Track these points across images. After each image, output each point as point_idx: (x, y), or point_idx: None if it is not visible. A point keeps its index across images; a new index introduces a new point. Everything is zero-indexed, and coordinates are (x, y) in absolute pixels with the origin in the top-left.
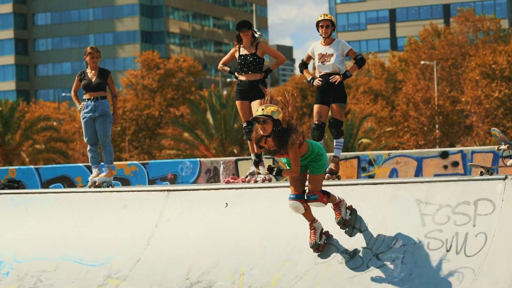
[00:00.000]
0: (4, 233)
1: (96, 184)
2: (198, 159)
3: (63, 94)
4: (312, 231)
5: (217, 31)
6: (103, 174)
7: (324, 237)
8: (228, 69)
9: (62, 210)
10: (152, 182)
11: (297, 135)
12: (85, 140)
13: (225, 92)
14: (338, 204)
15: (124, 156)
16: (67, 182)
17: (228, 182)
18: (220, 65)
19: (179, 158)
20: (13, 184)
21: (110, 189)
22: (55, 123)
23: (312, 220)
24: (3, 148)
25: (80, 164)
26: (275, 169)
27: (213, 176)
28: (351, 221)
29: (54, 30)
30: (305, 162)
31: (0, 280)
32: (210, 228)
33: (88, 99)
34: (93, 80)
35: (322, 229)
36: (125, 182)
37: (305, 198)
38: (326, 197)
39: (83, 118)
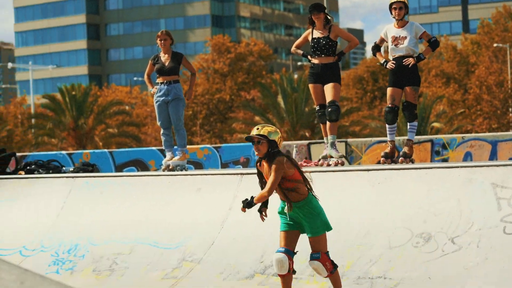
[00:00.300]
0: (79, 216)
1: (170, 167)
2: None
3: (135, 78)
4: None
5: (288, 15)
6: (176, 158)
7: None
8: (301, 52)
9: (136, 194)
10: (224, 165)
11: (290, 163)
12: (158, 123)
13: (296, 76)
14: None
15: (195, 140)
16: (141, 165)
17: (301, 165)
18: (293, 48)
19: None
20: (88, 167)
21: (183, 172)
22: (127, 107)
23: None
24: (76, 132)
25: (153, 148)
26: (246, 200)
27: None
28: None
29: (126, 15)
30: (299, 212)
31: (77, 262)
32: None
33: (161, 83)
34: (166, 64)
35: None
36: (198, 165)
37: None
38: (331, 264)
39: (156, 102)
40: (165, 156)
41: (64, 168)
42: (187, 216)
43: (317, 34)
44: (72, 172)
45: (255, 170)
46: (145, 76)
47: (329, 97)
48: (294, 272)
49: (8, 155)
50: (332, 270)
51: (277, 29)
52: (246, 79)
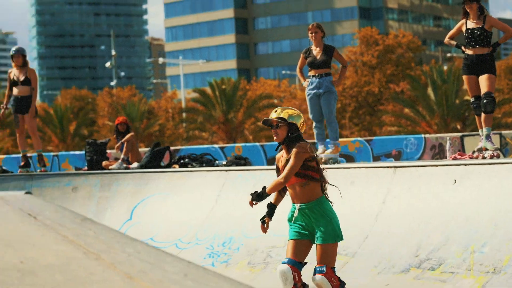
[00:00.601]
0: (233, 209)
1: (323, 160)
2: (422, 135)
3: (283, 72)
4: None
5: (436, 6)
6: (329, 151)
7: None
8: (454, 43)
9: None
10: (376, 158)
11: (311, 152)
12: (310, 117)
13: (445, 67)
14: None
15: (344, 133)
16: None
17: (455, 158)
18: (446, 39)
19: (400, 135)
20: (240, 161)
21: (336, 165)
22: (275, 101)
23: None
24: (226, 125)
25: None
26: (256, 192)
27: (438, 152)
28: None
29: (273, 9)
30: (311, 216)
31: (231, 255)
32: (438, 204)
33: (313, 76)
34: (318, 57)
35: None
36: (349, 158)
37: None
38: (337, 281)
39: (308, 95)
40: (317, 149)
41: (217, 161)
42: (340, 210)
43: (471, 24)
44: (225, 165)
45: (409, 163)
46: (297, 70)
47: (484, 88)
48: (305, 286)
49: (162, 149)
50: (338, 284)
51: (426, 20)
52: (395, 71)
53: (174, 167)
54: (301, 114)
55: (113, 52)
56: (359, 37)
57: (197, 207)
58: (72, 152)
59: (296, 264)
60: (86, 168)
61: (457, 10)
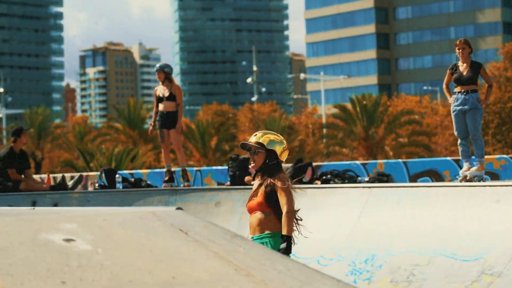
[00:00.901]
0: (376, 226)
1: (467, 178)
2: None
3: (425, 87)
4: None
5: None
6: (474, 168)
7: None
8: None
9: (432, 204)
10: None
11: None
12: (455, 133)
13: None
14: None
15: (487, 150)
16: (435, 176)
17: None
18: None
19: None
20: (383, 177)
21: (482, 183)
22: (416, 117)
23: None
24: (367, 142)
25: (448, 158)
26: (283, 249)
27: None
28: None
29: (415, 24)
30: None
31: (374, 272)
32: None
33: (458, 92)
34: (465, 73)
35: None
36: (494, 176)
37: None
38: None
39: (453, 111)
40: (460, 167)
41: (359, 178)
42: (485, 228)
43: None
44: (367, 182)
45: None
46: (444, 85)
47: None
48: None
49: (304, 165)
50: None
51: None
52: None
53: (316, 183)
54: (284, 141)
55: (255, 68)
56: (502, 52)
57: (339, 224)
58: (214, 167)
59: None
60: (228, 183)
61: None
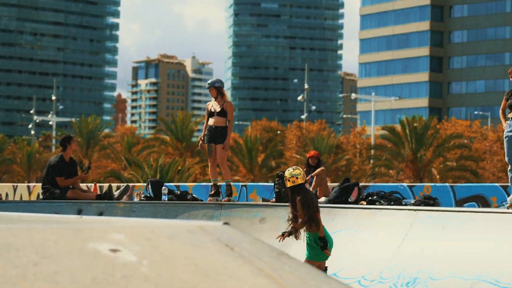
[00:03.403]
0: (421, 249)
1: None
2: None
3: (475, 112)
4: None
5: None
6: None
7: None
8: None
9: (478, 230)
10: None
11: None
12: (507, 159)
13: None
14: None
15: None
16: (482, 201)
17: None
18: None
19: None
20: (429, 201)
21: None
22: (466, 141)
23: None
24: (414, 164)
25: (496, 184)
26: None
27: None
28: None
29: (470, 48)
30: (307, 239)
31: None
32: None
33: (511, 118)
34: None
35: None
36: None
37: None
38: None
39: (506, 137)
40: (508, 194)
41: (405, 200)
42: None
43: None
44: (413, 204)
45: None
46: (500, 111)
47: None
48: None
49: (351, 185)
50: None
51: None
52: None
53: (362, 204)
54: (303, 172)
55: (306, 86)
56: None
57: (383, 245)
58: (260, 184)
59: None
60: (273, 200)
61: None
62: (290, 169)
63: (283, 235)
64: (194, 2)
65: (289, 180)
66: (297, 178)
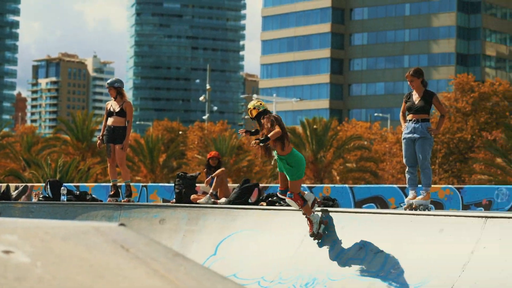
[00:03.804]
0: (320, 250)
1: (413, 206)
2: None
3: (375, 114)
4: (309, 223)
5: None
6: (420, 197)
7: (322, 226)
8: None
9: (376, 231)
10: (466, 207)
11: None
12: (404, 161)
13: None
14: (310, 220)
15: (433, 179)
16: (380, 202)
17: None
18: None
19: (490, 184)
20: (329, 202)
21: (426, 212)
22: (365, 143)
23: (308, 214)
24: (315, 165)
25: (394, 186)
26: (260, 139)
27: None
28: (323, 235)
29: (370, 51)
30: (281, 164)
31: None
32: None
33: (409, 120)
34: (416, 102)
35: (321, 220)
36: (438, 205)
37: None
38: (301, 201)
39: (403, 139)
40: (406, 195)
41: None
42: (427, 256)
43: None
44: None
45: (501, 214)
46: (400, 114)
47: None
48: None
49: (251, 186)
50: (302, 203)
51: None
52: (489, 119)
53: (262, 205)
54: (262, 102)
55: (208, 86)
56: (454, 83)
57: (282, 246)
58: (161, 184)
59: (283, 191)
60: (174, 200)
61: None
62: (252, 102)
63: (250, 134)
64: (95, 1)
65: (254, 108)
66: (259, 108)
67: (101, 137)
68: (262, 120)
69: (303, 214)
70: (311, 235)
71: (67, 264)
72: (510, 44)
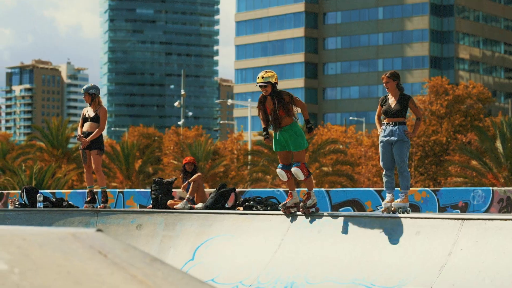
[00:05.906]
0: (297, 254)
1: (392, 209)
2: (490, 188)
3: (350, 118)
4: (289, 197)
5: (508, 58)
6: (398, 200)
7: (313, 209)
8: None
9: (354, 234)
10: (442, 209)
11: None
12: (381, 164)
13: None
14: (309, 194)
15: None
16: (357, 205)
17: None
18: None
19: (466, 186)
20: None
21: (404, 215)
22: (341, 146)
23: (292, 190)
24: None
25: (371, 189)
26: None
27: (506, 205)
28: (311, 213)
29: (344, 54)
30: (285, 135)
31: None
32: (506, 260)
33: (386, 124)
34: (392, 106)
35: (314, 203)
36: (415, 208)
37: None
38: (307, 171)
39: (380, 142)
40: (382, 198)
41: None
42: (405, 259)
43: None
44: None
45: (477, 215)
46: (375, 117)
47: None
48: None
49: (228, 191)
50: (307, 173)
51: (497, 71)
52: (463, 122)
53: (239, 209)
54: (275, 75)
55: (182, 92)
56: (429, 86)
57: (260, 250)
58: (137, 190)
59: (285, 166)
60: (150, 206)
61: None
62: (262, 73)
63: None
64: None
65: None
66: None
67: (81, 134)
68: (280, 95)
69: (305, 187)
70: (302, 206)
71: (44, 270)
72: (483, 47)
